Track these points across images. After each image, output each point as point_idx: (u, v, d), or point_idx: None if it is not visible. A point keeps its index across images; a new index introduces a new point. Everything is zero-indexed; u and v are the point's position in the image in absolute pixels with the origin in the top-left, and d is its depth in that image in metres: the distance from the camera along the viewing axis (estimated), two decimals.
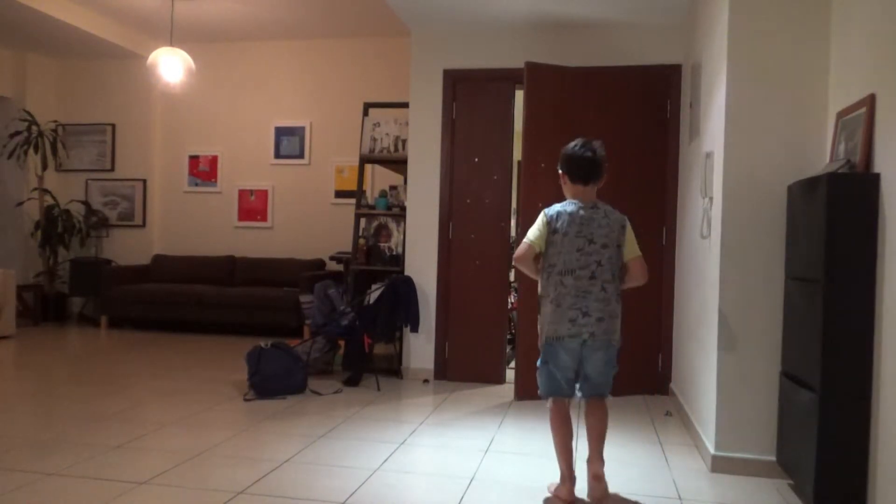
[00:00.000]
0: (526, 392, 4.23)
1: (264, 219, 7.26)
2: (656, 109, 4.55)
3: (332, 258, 6.39)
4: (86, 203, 7.44)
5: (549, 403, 2.66)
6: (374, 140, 5.15)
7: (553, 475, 2.77)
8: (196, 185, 7.43)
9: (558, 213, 2.59)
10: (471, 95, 4.80)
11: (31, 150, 7.03)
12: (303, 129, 7.15)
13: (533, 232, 2.59)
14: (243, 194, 7.30)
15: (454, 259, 4.81)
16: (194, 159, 7.43)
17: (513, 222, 5.27)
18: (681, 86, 4.46)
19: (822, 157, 2.85)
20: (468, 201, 4.80)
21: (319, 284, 4.98)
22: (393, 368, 4.91)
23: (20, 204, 7.19)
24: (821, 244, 2.38)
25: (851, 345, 2.34)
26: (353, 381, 4.53)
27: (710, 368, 3.11)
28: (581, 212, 2.58)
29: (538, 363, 2.67)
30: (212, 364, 5.14)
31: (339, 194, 7.04)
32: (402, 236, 5.03)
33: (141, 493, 2.54)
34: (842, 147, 2.62)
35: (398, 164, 5.23)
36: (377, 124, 5.16)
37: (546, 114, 4.32)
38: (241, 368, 4.50)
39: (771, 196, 2.92)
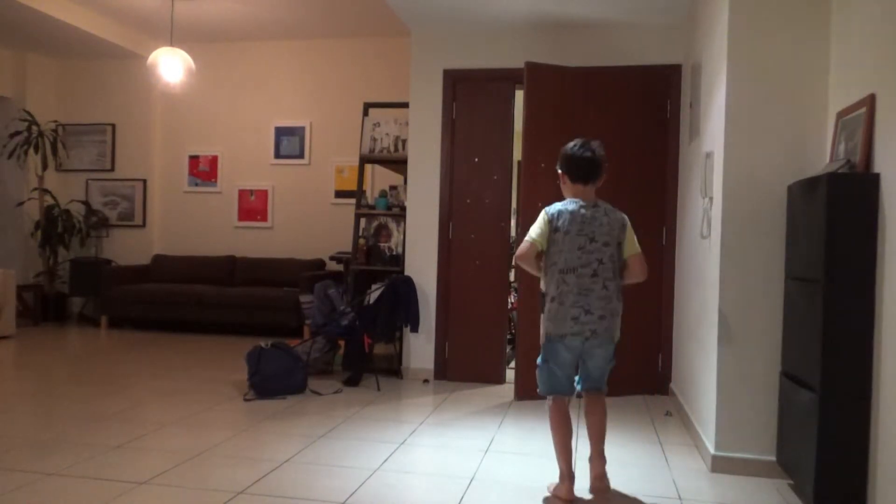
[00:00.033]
0: (526, 392, 4.23)
1: (264, 219, 7.26)
2: (656, 109, 4.55)
3: (332, 258, 6.39)
4: (86, 203, 7.44)
5: (548, 402, 2.66)
6: (374, 140, 5.15)
7: (553, 475, 2.77)
8: (196, 185, 7.43)
9: (560, 212, 2.60)
10: (471, 95, 4.80)
11: (31, 150, 7.03)
12: (303, 129, 7.15)
13: (535, 230, 2.60)
14: (243, 194, 7.30)
15: (454, 259, 4.81)
16: (194, 159, 7.43)
17: (513, 222, 5.27)
18: (681, 86, 4.46)
19: (822, 157, 2.85)
20: (468, 201, 4.80)
21: (319, 284, 4.98)
22: (393, 368, 4.91)
23: (20, 204, 7.19)
24: (821, 244, 2.38)
25: (851, 345, 2.34)
26: (353, 381, 4.53)
27: (710, 368, 3.11)
28: (582, 210, 2.59)
29: (538, 361, 2.68)
30: (212, 364, 5.15)
31: (339, 194, 7.04)
32: (402, 236, 5.03)
33: (141, 493, 2.54)
34: (842, 147, 2.62)
35: (398, 164, 5.23)
36: (377, 124, 5.16)
37: (546, 114, 4.33)
38: (241, 368, 4.50)
39: (771, 196, 2.92)
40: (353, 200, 5.94)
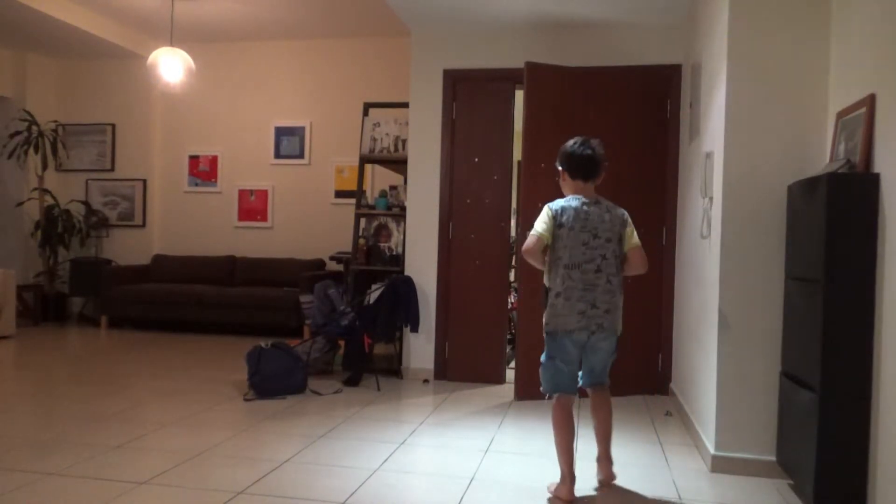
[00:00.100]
0: (526, 392, 4.23)
1: (264, 219, 7.26)
2: (656, 109, 4.55)
3: (332, 258, 6.39)
4: (86, 203, 7.44)
5: (552, 401, 2.66)
6: (374, 140, 5.15)
7: (553, 475, 2.77)
8: (196, 185, 7.43)
9: (563, 208, 2.62)
10: (471, 95, 4.80)
11: (31, 150, 7.03)
12: (303, 129, 7.15)
13: (540, 224, 2.61)
14: (243, 194, 7.30)
15: (454, 259, 4.81)
16: (194, 159, 7.43)
17: (513, 222, 5.27)
18: (681, 86, 4.46)
19: (822, 157, 2.85)
20: (468, 201, 4.80)
21: (319, 284, 4.98)
22: (393, 368, 4.91)
23: (20, 204, 7.19)
24: (821, 244, 2.38)
25: (851, 345, 2.34)
26: (353, 381, 4.53)
27: (710, 368, 3.11)
28: (585, 207, 2.62)
29: (543, 359, 2.68)
30: (212, 364, 5.15)
31: (339, 194, 7.04)
32: (402, 236, 5.03)
33: (141, 493, 2.54)
34: (842, 147, 2.62)
35: (398, 164, 5.23)
36: (377, 124, 5.16)
37: (546, 114, 4.33)
38: (241, 368, 4.50)
39: (771, 196, 2.92)
40: (353, 200, 5.94)
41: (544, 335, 2.67)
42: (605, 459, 2.79)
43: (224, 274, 7.03)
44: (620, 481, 2.82)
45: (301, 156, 7.15)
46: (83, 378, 4.55)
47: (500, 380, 4.73)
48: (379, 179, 6.63)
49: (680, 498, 2.68)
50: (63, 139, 7.42)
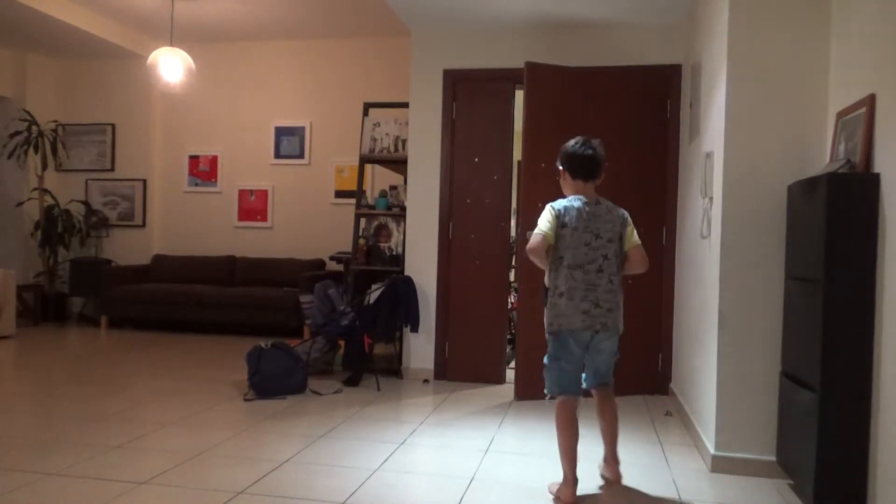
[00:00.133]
0: (526, 392, 4.23)
1: (264, 219, 7.26)
2: (656, 109, 4.55)
3: (332, 258, 6.39)
4: (86, 203, 7.44)
5: (554, 402, 2.66)
6: (374, 140, 5.15)
7: (553, 475, 2.77)
8: (196, 185, 7.43)
9: (566, 208, 2.63)
10: (471, 95, 4.80)
11: (31, 150, 7.03)
12: (303, 129, 7.15)
13: (544, 223, 2.61)
14: (243, 194, 7.30)
15: (454, 259, 4.81)
16: (194, 159, 7.43)
17: (513, 222, 5.27)
18: (681, 86, 4.46)
19: (822, 157, 2.85)
20: (468, 201, 4.80)
21: (319, 284, 4.98)
22: (393, 368, 4.91)
23: (20, 204, 7.19)
24: (821, 244, 2.38)
25: (851, 345, 2.34)
26: (353, 381, 4.53)
27: (710, 368, 3.11)
28: (587, 207, 2.64)
29: (546, 360, 2.68)
30: (212, 364, 5.15)
31: (339, 194, 7.04)
32: (402, 236, 5.03)
33: (141, 493, 2.54)
34: (842, 147, 2.62)
35: (398, 164, 5.23)
36: (377, 124, 5.16)
37: (546, 114, 4.33)
38: (241, 368, 4.50)
39: (771, 196, 2.92)
40: (353, 200, 5.94)
41: (547, 336, 2.67)
42: (612, 460, 2.82)
43: (224, 274, 7.03)
44: (619, 481, 2.82)
45: (301, 156, 7.15)
46: (83, 378, 4.55)
47: (500, 380, 4.73)
48: (379, 179, 6.63)
49: (680, 498, 2.68)
50: (63, 139, 7.42)
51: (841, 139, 2.65)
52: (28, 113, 7.06)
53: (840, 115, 2.68)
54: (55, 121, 7.36)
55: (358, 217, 5.18)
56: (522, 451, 3.25)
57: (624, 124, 4.49)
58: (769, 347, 2.92)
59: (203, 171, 7.40)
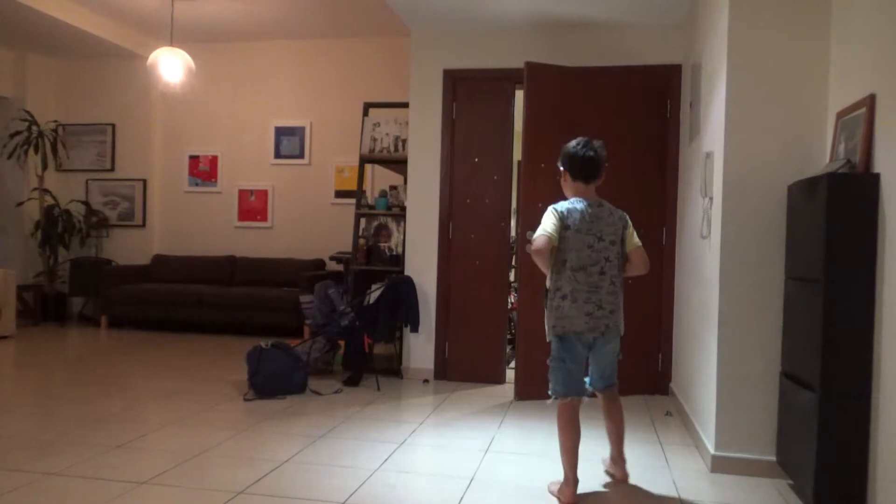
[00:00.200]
0: (526, 392, 4.23)
1: (264, 219, 7.26)
2: (656, 109, 4.55)
3: (332, 258, 6.38)
4: (86, 203, 7.44)
5: (556, 402, 2.67)
6: (374, 140, 5.15)
7: (553, 475, 2.77)
8: (196, 185, 7.43)
9: (569, 210, 2.64)
10: (471, 95, 4.80)
11: (31, 150, 7.03)
12: (303, 129, 7.15)
13: (549, 225, 2.61)
14: (243, 194, 7.30)
15: (454, 259, 4.81)
16: (194, 159, 7.43)
17: (513, 222, 5.27)
18: (681, 86, 4.46)
19: (822, 157, 2.85)
20: (468, 201, 4.80)
21: (319, 284, 4.98)
22: (393, 368, 4.91)
23: (20, 204, 7.20)
24: (821, 244, 2.38)
25: (851, 345, 2.34)
26: (353, 381, 4.53)
27: (710, 368, 3.11)
28: (590, 209, 2.65)
29: (550, 362, 2.69)
30: (212, 364, 5.15)
31: (339, 194, 7.04)
32: (402, 236, 5.03)
33: (141, 493, 2.54)
34: (842, 147, 2.62)
35: (398, 164, 5.23)
36: (377, 124, 5.16)
37: (546, 114, 4.32)
38: (241, 368, 4.50)
39: (771, 196, 2.92)
40: (353, 200, 5.93)
41: (552, 338, 2.67)
42: (619, 459, 2.84)
43: (224, 274, 7.03)
44: (618, 482, 2.82)
45: (301, 156, 7.16)
46: (83, 378, 4.55)
47: (500, 380, 4.73)
48: (379, 179, 6.63)
49: (680, 498, 2.68)
50: (63, 139, 7.41)
51: (841, 139, 2.65)
52: (28, 113, 7.06)
53: (840, 115, 2.68)
54: (55, 121, 7.36)
55: (358, 217, 5.18)
56: (522, 451, 3.25)
57: (624, 124, 4.49)
58: (769, 347, 2.92)
59: (203, 171, 7.40)
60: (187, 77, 6.13)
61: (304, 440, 3.26)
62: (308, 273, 6.40)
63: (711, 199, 3.23)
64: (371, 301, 4.70)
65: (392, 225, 5.12)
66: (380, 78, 6.80)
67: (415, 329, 4.72)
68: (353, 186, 6.72)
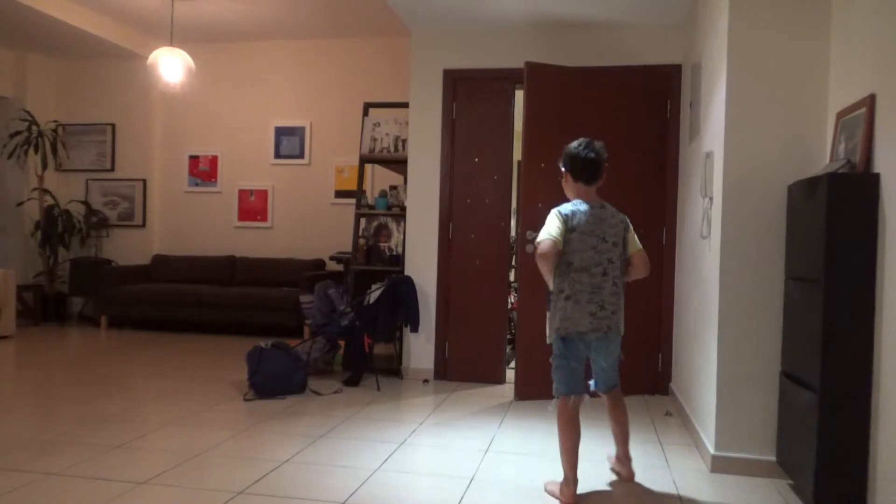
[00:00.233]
0: (526, 392, 4.23)
1: (264, 219, 7.26)
2: (656, 109, 4.55)
3: (332, 258, 6.39)
4: (86, 203, 7.44)
5: (558, 402, 2.67)
6: (374, 140, 5.15)
7: (553, 475, 2.77)
8: (196, 185, 7.43)
9: (573, 212, 2.65)
10: (471, 95, 4.80)
11: (31, 150, 7.03)
12: (303, 129, 7.15)
13: (554, 228, 2.61)
14: (243, 194, 7.30)
15: (454, 259, 4.81)
16: (194, 159, 7.43)
17: (513, 222, 5.27)
18: (681, 86, 4.46)
19: (822, 157, 2.85)
20: (468, 201, 4.80)
21: (319, 284, 4.98)
22: (393, 368, 4.91)
23: (20, 204, 7.20)
24: (821, 244, 2.38)
25: (851, 345, 2.34)
26: (353, 381, 4.53)
27: (710, 368, 3.11)
28: (593, 211, 2.66)
29: (553, 360, 2.69)
30: (212, 364, 5.15)
31: (339, 194, 7.04)
32: (402, 236, 5.03)
33: (141, 493, 2.54)
34: (842, 147, 2.62)
35: (398, 164, 5.23)
36: (377, 124, 5.16)
37: (546, 114, 4.32)
38: (241, 368, 4.50)
39: (771, 196, 2.92)
40: (353, 200, 5.94)
41: (554, 339, 2.67)
42: (625, 459, 2.86)
43: (224, 274, 7.03)
44: (621, 481, 2.82)
45: (301, 156, 7.16)
46: (83, 378, 4.55)
47: (500, 380, 4.73)
48: (379, 179, 6.63)
49: (680, 498, 2.68)
50: (63, 139, 7.42)
51: (841, 139, 2.65)
52: (28, 113, 7.06)
53: (840, 115, 2.68)
54: (55, 121, 7.36)
55: (358, 217, 5.18)
56: (522, 451, 3.25)
57: (624, 124, 4.49)
58: (769, 347, 2.92)
59: (203, 171, 7.40)
60: (187, 77, 6.13)
61: (304, 440, 3.26)
62: (308, 273, 6.40)
63: (711, 199, 3.23)
64: (371, 301, 4.70)
65: (392, 225, 5.12)
66: (380, 78, 6.80)
67: (415, 329, 4.72)
68: (353, 186, 6.73)
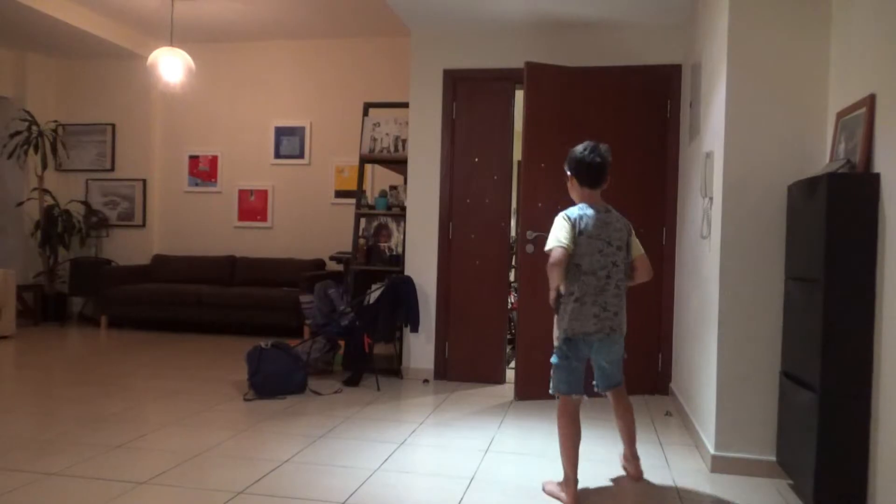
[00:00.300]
0: (526, 392, 4.23)
1: (264, 219, 7.26)
2: (656, 109, 4.55)
3: (332, 258, 6.38)
4: (86, 203, 7.44)
5: (559, 401, 2.67)
6: (374, 140, 5.15)
7: (553, 475, 2.77)
8: (196, 185, 7.43)
9: (581, 216, 2.66)
10: (471, 95, 4.80)
11: (31, 150, 7.03)
12: (303, 129, 7.15)
13: (563, 235, 2.62)
14: (243, 194, 7.30)
15: (454, 259, 4.81)
16: (194, 159, 7.43)
17: (513, 222, 5.27)
18: (681, 86, 4.46)
19: (822, 157, 2.85)
20: (468, 201, 4.80)
21: (319, 284, 4.98)
22: (393, 368, 4.91)
23: (20, 204, 7.19)
24: (821, 244, 2.38)
25: (851, 345, 2.34)
26: (353, 381, 4.53)
27: (710, 368, 3.11)
28: (599, 215, 2.68)
29: (555, 360, 2.70)
30: (212, 364, 5.15)
31: (339, 194, 7.04)
32: (402, 236, 5.03)
33: (141, 493, 2.54)
34: (842, 147, 2.62)
35: (398, 164, 5.23)
36: (377, 124, 5.16)
37: (546, 114, 4.32)
38: (241, 368, 4.50)
39: (771, 196, 2.92)
40: (353, 200, 5.93)
41: (561, 339, 2.68)
42: (632, 458, 2.88)
43: (224, 274, 7.03)
44: (621, 481, 2.82)
45: (301, 156, 7.15)
46: (83, 378, 4.55)
47: (500, 380, 4.73)
48: (379, 179, 6.63)
49: (680, 498, 2.68)
50: (63, 139, 7.42)
51: (841, 139, 2.65)
52: (28, 113, 7.06)
53: (840, 115, 2.68)
54: (55, 121, 7.36)
55: (358, 217, 5.18)
56: (522, 451, 3.25)
57: (624, 124, 4.49)
58: (769, 347, 2.92)
59: (203, 171, 7.40)
60: (187, 77, 6.13)
61: (303, 440, 3.26)
62: (308, 273, 6.40)
63: (711, 199, 3.23)
64: (371, 301, 4.70)
65: (392, 225, 5.12)
66: (380, 78, 6.80)
67: (415, 329, 4.72)
68: (353, 186, 6.72)
